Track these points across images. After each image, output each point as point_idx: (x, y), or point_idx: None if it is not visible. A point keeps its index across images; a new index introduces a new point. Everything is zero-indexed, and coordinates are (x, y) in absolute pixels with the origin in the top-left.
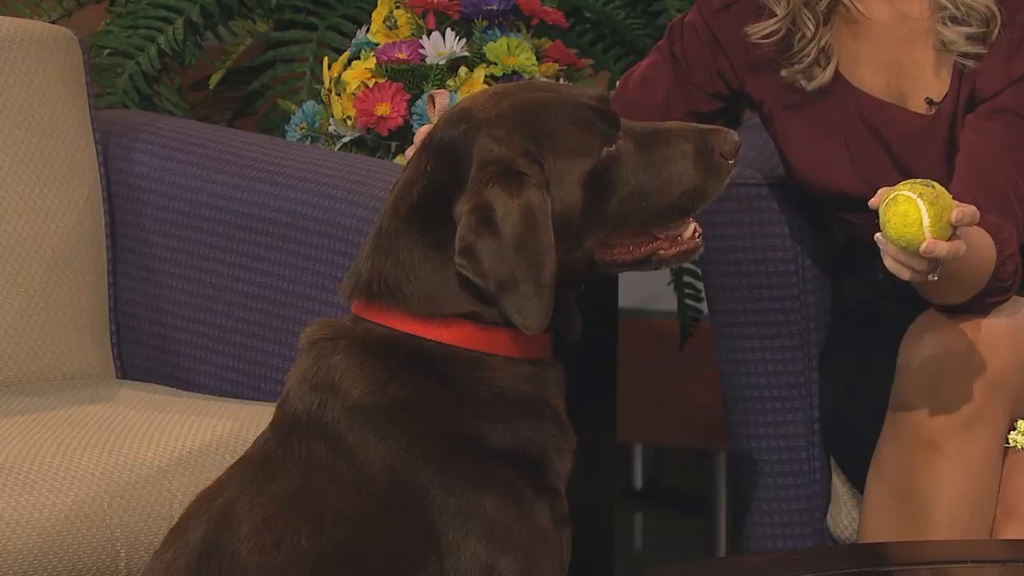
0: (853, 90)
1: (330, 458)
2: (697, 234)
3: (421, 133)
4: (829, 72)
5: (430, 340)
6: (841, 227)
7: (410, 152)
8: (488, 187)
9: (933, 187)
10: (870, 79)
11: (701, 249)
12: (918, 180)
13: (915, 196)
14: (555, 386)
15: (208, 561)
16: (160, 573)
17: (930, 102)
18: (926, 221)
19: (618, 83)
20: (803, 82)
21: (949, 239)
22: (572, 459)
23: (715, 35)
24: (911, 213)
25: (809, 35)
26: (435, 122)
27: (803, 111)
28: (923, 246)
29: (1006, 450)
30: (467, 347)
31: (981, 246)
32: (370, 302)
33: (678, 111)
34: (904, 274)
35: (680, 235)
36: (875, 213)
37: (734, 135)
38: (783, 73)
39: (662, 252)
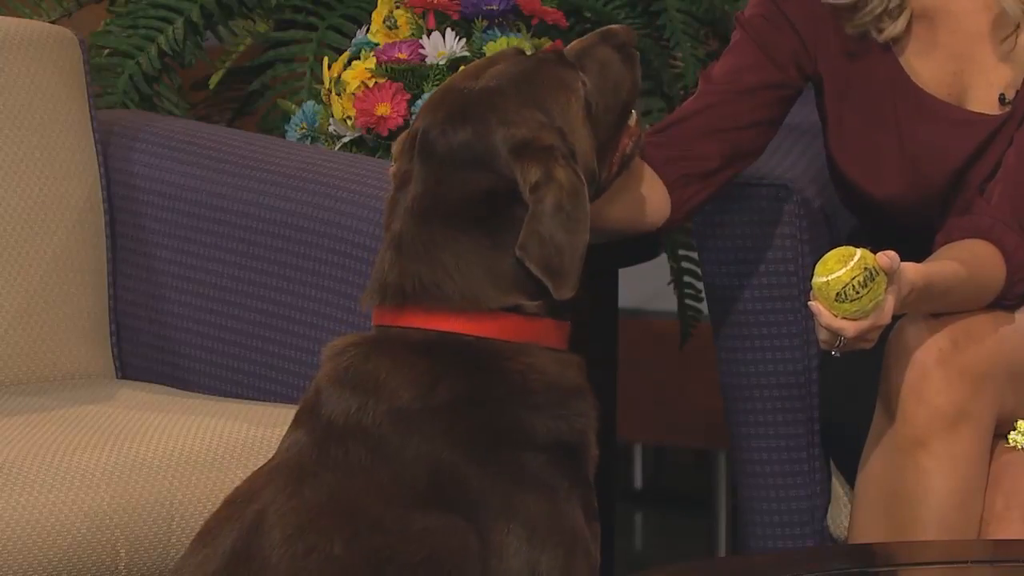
0: (916, 90)
1: (369, 462)
2: (635, 120)
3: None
4: (901, 23)
5: (473, 336)
6: (857, 214)
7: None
8: (533, 169)
9: (872, 297)
10: (932, 73)
11: (642, 133)
12: (881, 280)
13: (862, 270)
14: (584, 371)
15: (238, 566)
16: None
17: (1003, 99)
18: (844, 283)
19: (700, 78)
20: (874, 33)
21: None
22: (597, 456)
23: (787, 17)
24: (843, 269)
25: None
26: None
27: (860, 104)
28: (811, 299)
29: (993, 448)
30: (512, 339)
31: (987, 282)
32: (403, 307)
33: (767, 97)
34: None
35: (629, 126)
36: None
37: (625, 27)
38: (848, 29)
39: (627, 150)
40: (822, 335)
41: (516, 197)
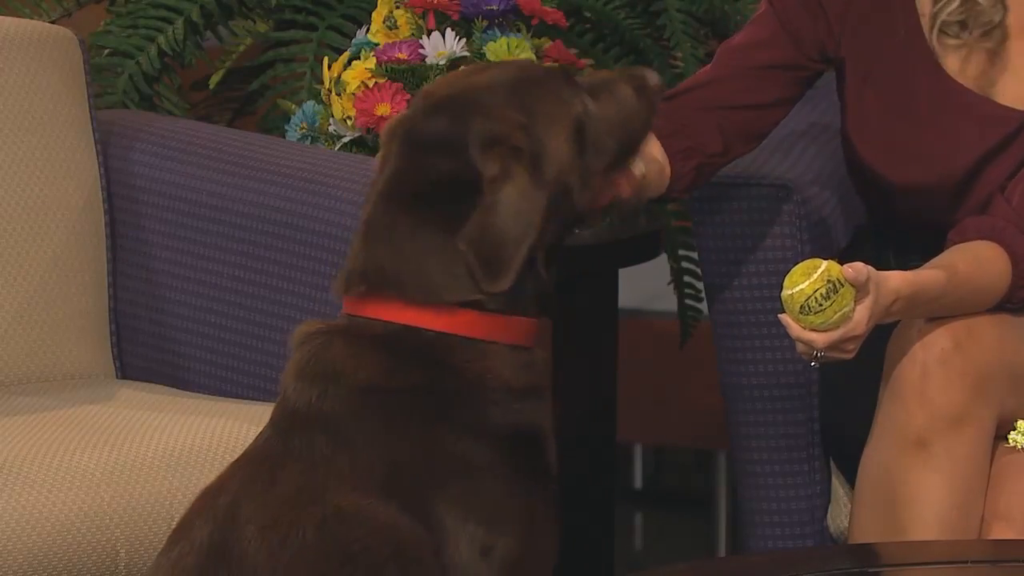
0: (944, 77)
1: (329, 451)
2: (640, 171)
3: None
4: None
5: (431, 331)
6: (870, 202)
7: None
8: (491, 163)
9: (836, 309)
10: (961, 63)
11: (644, 187)
12: (849, 291)
13: (824, 283)
14: (546, 370)
15: (215, 560)
16: (166, 572)
17: None
18: (807, 295)
19: (718, 50)
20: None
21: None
22: (554, 447)
23: None
24: (807, 282)
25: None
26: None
27: (884, 87)
28: (784, 316)
29: (994, 449)
30: (469, 335)
31: (988, 286)
32: (366, 296)
33: (780, 77)
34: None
35: (632, 172)
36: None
37: (654, 73)
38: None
39: (623, 194)
40: (798, 346)
41: (479, 189)
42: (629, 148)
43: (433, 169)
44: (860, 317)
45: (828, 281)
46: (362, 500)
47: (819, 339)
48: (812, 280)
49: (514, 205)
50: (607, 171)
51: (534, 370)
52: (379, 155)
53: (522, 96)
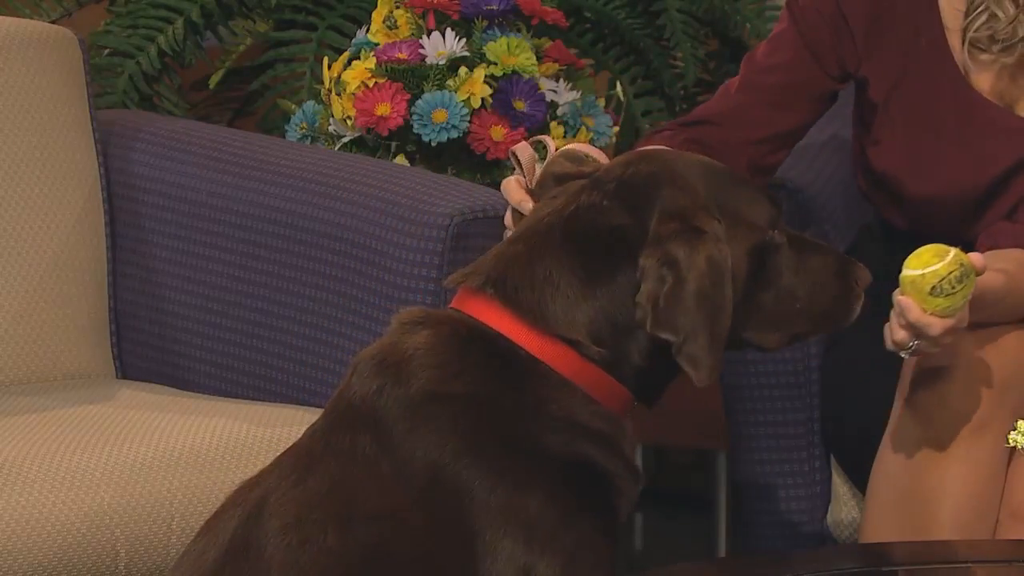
0: (969, 90)
1: (373, 452)
2: (795, 341)
3: (509, 184)
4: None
5: (520, 347)
6: (882, 208)
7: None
8: (673, 240)
9: (964, 295)
10: (986, 76)
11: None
12: (969, 282)
13: (958, 266)
14: (629, 437)
15: (236, 555)
16: (190, 564)
17: None
18: (941, 276)
19: (743, 61)
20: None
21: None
22: (633, 504)
23: (842, 12)
24: (941, 263)
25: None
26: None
27: (908, 99)
28: (899, 294)
29: (1010, 452)
30: (556, 367)
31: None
32: (477, 293)
33: (801, 99)
34: (889, 339)
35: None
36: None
37: (867, 275)
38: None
39: (768, 345)
40: (898, 335)
41: (635, 250)
42: (800, 324)
43: (608, 215)
44: (968, 310)
45: (961, 265)
46: (397, 505)
47: (937, 324)
48: (947, 262)
49: (707, 295)
50: (769, 323)
51: (608, 422)
52: (555, 182)
53: (720, 188)
